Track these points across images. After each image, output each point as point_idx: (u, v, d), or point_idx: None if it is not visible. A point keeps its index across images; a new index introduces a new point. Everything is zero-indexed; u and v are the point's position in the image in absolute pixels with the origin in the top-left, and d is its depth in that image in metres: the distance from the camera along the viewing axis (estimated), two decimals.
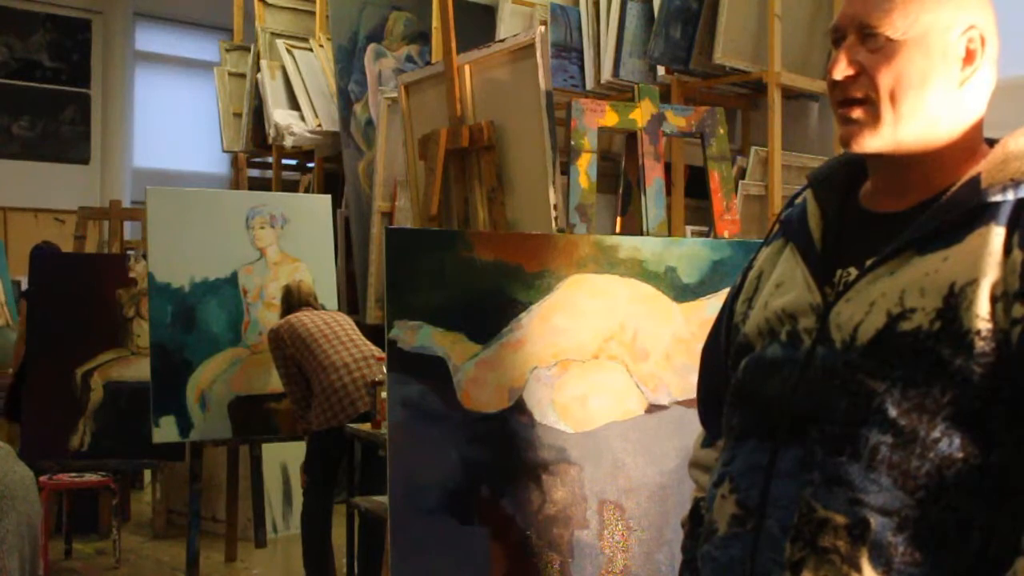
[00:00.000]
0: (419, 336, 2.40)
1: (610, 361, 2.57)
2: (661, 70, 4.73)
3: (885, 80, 1.25)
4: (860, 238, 1.30)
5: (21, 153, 10.00)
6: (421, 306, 2.41)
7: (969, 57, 1.26)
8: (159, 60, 10.80)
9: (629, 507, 2.54)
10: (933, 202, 1.25)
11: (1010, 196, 1.19)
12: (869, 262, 1.25)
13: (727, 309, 1.47)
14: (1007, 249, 1.16)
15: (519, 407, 2.47)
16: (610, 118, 3.22)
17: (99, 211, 7.50)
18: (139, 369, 5.07)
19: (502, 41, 3.50)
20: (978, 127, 1.29)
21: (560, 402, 2.50)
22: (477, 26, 5.41)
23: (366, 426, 4.08)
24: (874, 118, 1.26)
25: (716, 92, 4.89)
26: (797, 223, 1.38)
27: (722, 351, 1.45)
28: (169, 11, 10.67)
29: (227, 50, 7.61)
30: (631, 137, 3.29)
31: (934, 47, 1.25)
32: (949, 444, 1.14)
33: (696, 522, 1.46)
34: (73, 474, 5.19)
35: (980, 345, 1.14)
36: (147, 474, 6.55)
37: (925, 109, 1.26)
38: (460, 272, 2.46)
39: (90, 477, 5.21)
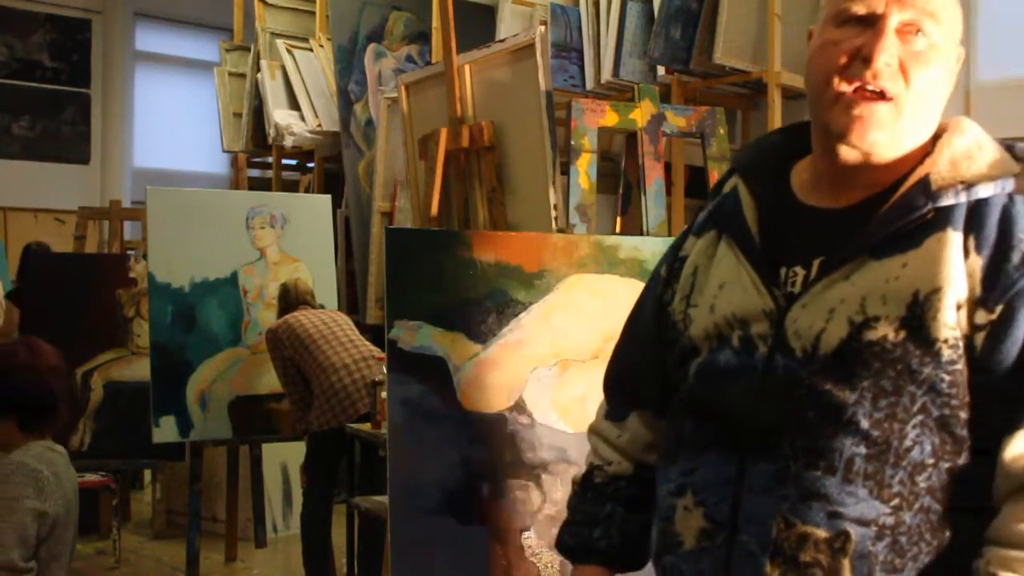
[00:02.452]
0: (419, 336, 2.40)
1: None
2: (661, 70, 4.72)
3: (919, 83, 1.21)
4: (802, 234, 1.27)
5: (21, 153, 10.01)
6: (421, 306, 2.41)
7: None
8: (159, 60, 10.81)
9: None
10: (878, 199, 1.23)
11: (963, 199, 1.19)
12: (817, 262, 1.23)
13: (655, 296, 1.43)
14: (965, 254, 1.16)
15: (519, 407, 2.46)
16: (610, 118, 3.22)
17: (99, 211, 7.51)
18: (139, 369, 5.06)
19: (502, 41, 3.50)
20: None
21: (560, 402, 2.50)
22: (477, 26, 5.40)
23: (366, 426, 4.07)
24: (895, 118, 1.21)
25: (716, 92, 4.89)
26: (731, 214, 1.33)
27: (650, 331, 1.42)
28: (169, 11, 10.67)
29: (227, 50, 7.61)
30: (631, 137, 3.29)
31: (951, 58, 1.24)
32: (920, 451, 1.15)
33: (587, 487, 1.48)
34: None
35: (948, 353, 1.15)
36: (147, 474, 6.54)
37: (935, 119, 1.25)
38: (460, 272, 2.46)
39: (90, 477, 5.19)
